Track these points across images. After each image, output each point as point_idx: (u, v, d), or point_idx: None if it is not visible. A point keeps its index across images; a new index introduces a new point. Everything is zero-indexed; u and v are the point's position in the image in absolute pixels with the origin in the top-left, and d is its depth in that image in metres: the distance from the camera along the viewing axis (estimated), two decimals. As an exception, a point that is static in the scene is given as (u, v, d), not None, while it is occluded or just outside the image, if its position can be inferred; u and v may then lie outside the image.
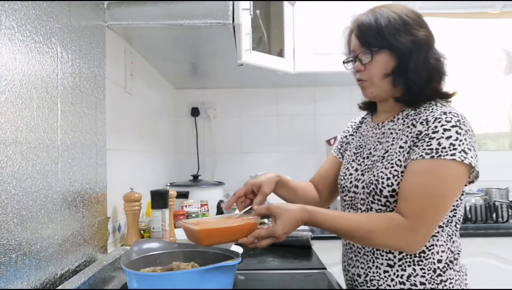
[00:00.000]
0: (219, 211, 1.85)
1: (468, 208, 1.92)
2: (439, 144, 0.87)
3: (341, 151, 1.21)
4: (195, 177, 2.15)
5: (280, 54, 2.04)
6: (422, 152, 0.89)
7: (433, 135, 0.89)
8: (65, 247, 0.95)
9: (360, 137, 1.12)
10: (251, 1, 1.50)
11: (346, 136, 1.20)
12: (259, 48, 1.92)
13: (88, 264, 1.06)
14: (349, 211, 1.06)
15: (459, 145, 0.87)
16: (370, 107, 1.14)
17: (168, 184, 2.04)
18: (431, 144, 0.88)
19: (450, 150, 0.86)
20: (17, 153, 0.76)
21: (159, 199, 1.36)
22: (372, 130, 1.08)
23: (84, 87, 1.07)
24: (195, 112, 2.47)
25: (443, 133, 0.88)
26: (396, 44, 0.94)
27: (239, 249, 1.29)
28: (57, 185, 0.92)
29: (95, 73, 1.15)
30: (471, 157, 0.87)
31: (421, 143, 0.90)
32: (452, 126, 0.88)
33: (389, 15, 0.95)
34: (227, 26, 1.27)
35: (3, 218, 0.72)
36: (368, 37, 0.97)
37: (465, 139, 0.87)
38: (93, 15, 1.15)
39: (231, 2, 1.25)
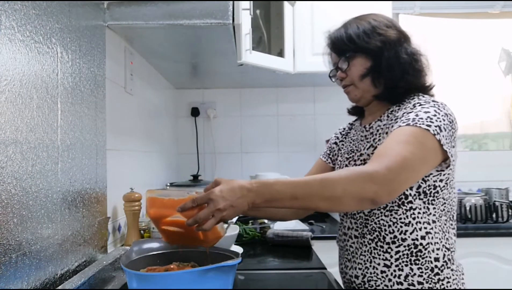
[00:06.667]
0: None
1: (468, 208, 1.92)
2: (416, 115, 0.89)
3: (330, 156, 1.22)
4: (195, 177, 2.15)
5: (280, 54, 2.04)
6: (400, 122, 0.91)
7: (411, 111, 0.93)
8: (65, 247, 0.95)
9: (350, 142, 1.13)
10: (251, 1, 1.50)
11: (335, 142, 1.22)
12: (259, 48, 1.92)
13: (88, 264, 1.06)
14: (347, 216, 1.06)
15: (436, 120, 0.88)
16: (358, 111, 1.16)
17: (168, 184, 2.04)
18: (409, 117, 0.90)
19: (427, 121, 0.87)
20: (17, 153, 0.76)
21: (159, 199, 1.36)
22: (360, 134, 1.10)
23: (84, 87, 1.07)
24: (195, 112, 2.47)
25: (421, 108, 0.91)
26: (367, 46, 1.00)
27: (239, 249, 1.29)
28: (57, 185, 0.92)
29: (95, 73, 1.15)
30: (444, 137, 0.87)
31: (401, 118, 0.93)
32: (431, 106, 0.91)
33: (357, 23, 1.03)
34: (227, 26, 1.27)
35: (3, 218, 0.72)
36: (341, 46, 1.04)
37: (443, 120, 0.89)
38: (93, 15, 1.15)
39: (231, 2, 1.25)
